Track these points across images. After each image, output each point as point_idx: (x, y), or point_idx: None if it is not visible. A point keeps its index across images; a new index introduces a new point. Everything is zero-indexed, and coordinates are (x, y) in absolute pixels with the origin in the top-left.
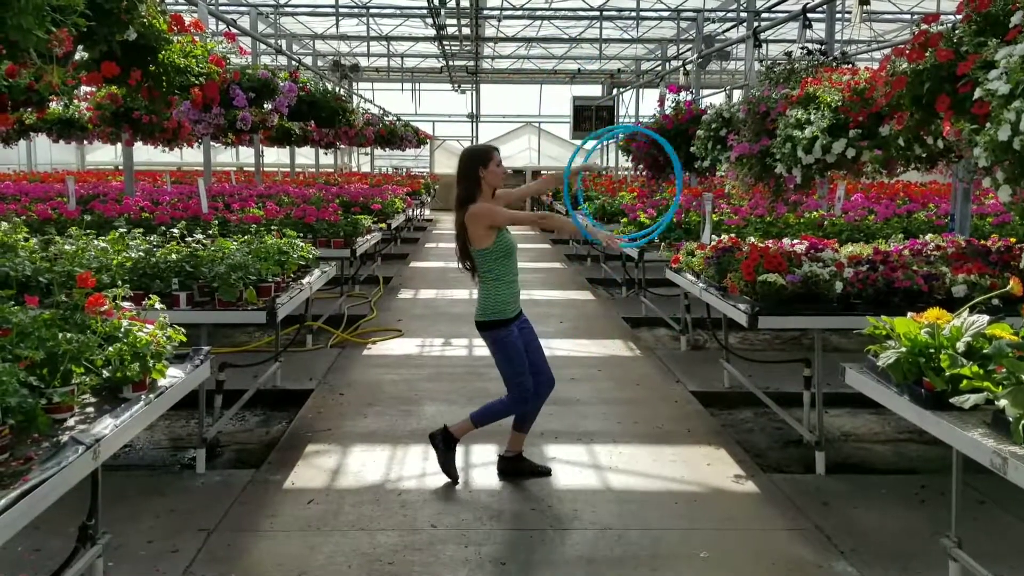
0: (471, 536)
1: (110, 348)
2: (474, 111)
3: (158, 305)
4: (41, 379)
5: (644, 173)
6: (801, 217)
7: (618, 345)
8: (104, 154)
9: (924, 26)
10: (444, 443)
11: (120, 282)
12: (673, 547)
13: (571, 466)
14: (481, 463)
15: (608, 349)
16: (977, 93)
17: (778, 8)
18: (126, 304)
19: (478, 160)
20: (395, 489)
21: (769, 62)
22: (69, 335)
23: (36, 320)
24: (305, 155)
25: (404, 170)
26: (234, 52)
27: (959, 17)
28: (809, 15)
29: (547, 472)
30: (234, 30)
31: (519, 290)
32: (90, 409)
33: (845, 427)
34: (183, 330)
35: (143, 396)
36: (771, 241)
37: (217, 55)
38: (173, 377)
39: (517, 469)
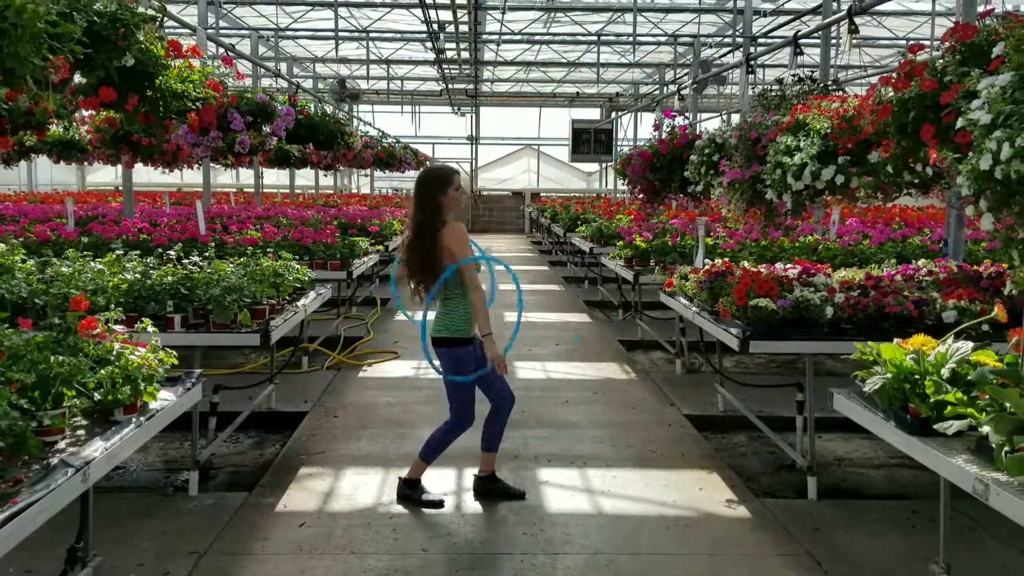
0: (462, 560)
1: (102, 371)
2: (474, 134)
3: (151, 328)
4: (32, 402)
5: (640, 197)
6: (796, 241)
7: (613, 368)
8: (105, 175)
9: (909, 55)
10: (410, 489)
11: (113, 305)
12: (664, 572)
13: (564, 490)
14: (472, 488)
15: (604, 372)
16: (960, 123)
17: (774, 34)
18: (119, 327)
19: (437, 186)
20: (387, 513)
21: (761, 88)
22: (61, 358)
23: (29, 343)
24: (305, 176)
25: (404, 192)
26: (231, 76)
27: (945, 47)
28: (803, 41)
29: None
30: (233, 55)
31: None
32: (81, 432)
33: (838, 452)
34: (175, 353)
35: (134, 419)
36: (764, 266)
37: (214, 80)
38: (164, 400)
39: (491, 490)
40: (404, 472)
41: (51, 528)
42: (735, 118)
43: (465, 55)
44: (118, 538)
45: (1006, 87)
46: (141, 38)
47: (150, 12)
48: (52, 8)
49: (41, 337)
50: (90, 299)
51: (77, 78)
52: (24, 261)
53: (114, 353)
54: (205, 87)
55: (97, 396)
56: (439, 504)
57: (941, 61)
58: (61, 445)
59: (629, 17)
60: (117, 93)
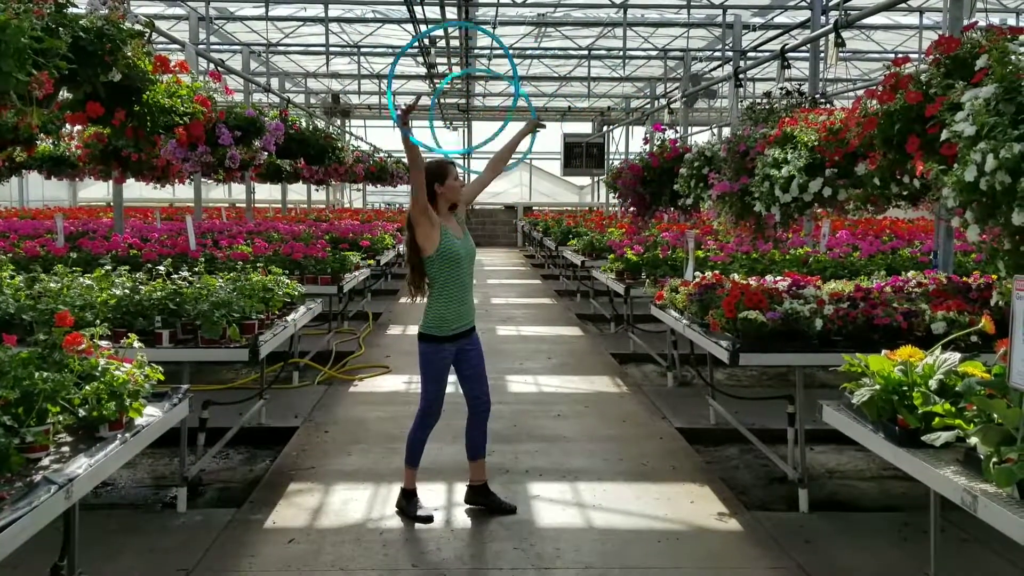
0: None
1: (86, 387)
2: (466, 147)
3: (136, 344)
4: (16, 418)
5: (631, 210)
6: (786, 254)
7: (605, 381)
8: (97, 190)
9: (894, 68)
10: (405, 500)
11: (100, 320)
12: None
13: (555, 504)
14: (464, 504)
15: (595, 385)
16: (944, 135)
17: (763, 48)
18: (104, 343)
19: (434, 177)
20: (377, 528)
21: (750, 101)
22: (45, 374)
23: (13, 359)
24: (297, 191)
25: (397, 205)
26: (219, 92)
27: (929, 59)
28: (791, 54)
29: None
30: (223, 70)
31: (466, 310)
32: (65, 448)
33: (830, 464)
34: (160, 368)
35: (119, 435)
36: (754, 278)
37: (202, 95)
38: (151, 416)
39: (482, 503)
40: (395, 487)
41: (38, 546)
42: (725, 131)
43: (457, 70)
44: (105, 555)
45: (990, 99)
46: (128, 53)
47: (137, 28)
48: (37, 23)
49: (26, 353)
50: (77, 315)
51: (63, 93)
52: (12, 277)
53: (99, 369)
54: (193, 102)
55: (82, 412)
56: (428, 519)
57: (926, 74)
58: (45, 462)
59: (619, 32)
60: (104, 108)
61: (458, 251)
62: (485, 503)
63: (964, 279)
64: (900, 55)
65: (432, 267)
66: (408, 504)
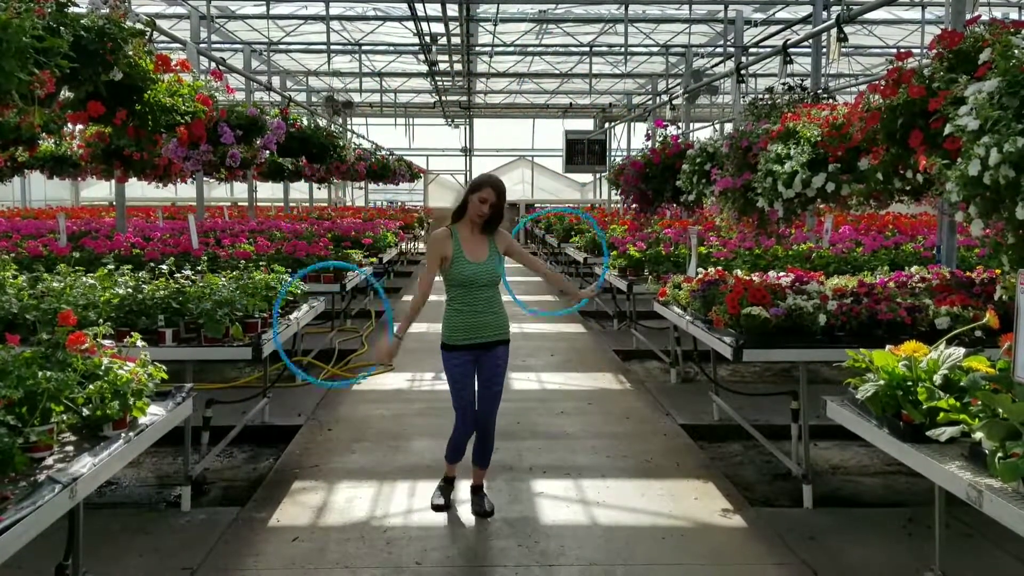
0: (455, 573)
1: (90, 386)
2: (468, 145)
3: (140, 342)
4: (20, 418)
5: (633, 207)
6: (789, 250)
7: (609, 378)
8: (99, 190)
9: (897, 62)
10: (444, 483)
11: (103, 320)
12: None
13: (559, 501)
14: (469, 499)
15: (599, 382)
16: (948, 129)
17: (764, 43)
18: (107, 342)
19: (471, 188)
20: (381, 526)
21: (752, 97)
22: (49, 373)
23: (16, 358)
24: (299, 189)
25: (398, 204)
26: (221, 91)
27: (932, 53)
28: (794, 50)
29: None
30: (225, 69)
31: (477, 324)
32: (69, 448)
33: (834, 460)
34: (164, 367)
35: (123, 434)
36: (757, 274)
37: (204, 94)
38: (154, 415)
39: (473, 499)
40: (399, 484)
41: (42, 546)
42: (727, 127)
43: (458, 67)
44: (110, 555)
45: (993, 93)
46: (129, 52)
47: (138, 27)
48: (38, 23)
49: (29, 352)
50: (81, 314)
51: (65, 92)
52: (15, 277)
53: (103, 368)
54: (194, 101)
55: (85, 411)
56: (440, 508)
57: (929, 68)
58: (49, 461)
59: (621, 28)
60: (105, 107)
61: (466, 275)
62: (473, 500)
63: (968, 274)
64: (903, 50)
65: (445, 283)
66: (447, 486)
